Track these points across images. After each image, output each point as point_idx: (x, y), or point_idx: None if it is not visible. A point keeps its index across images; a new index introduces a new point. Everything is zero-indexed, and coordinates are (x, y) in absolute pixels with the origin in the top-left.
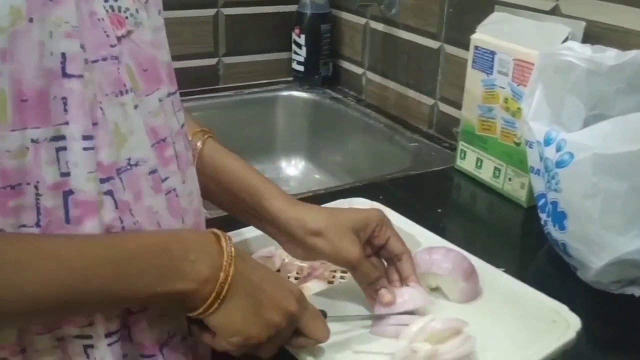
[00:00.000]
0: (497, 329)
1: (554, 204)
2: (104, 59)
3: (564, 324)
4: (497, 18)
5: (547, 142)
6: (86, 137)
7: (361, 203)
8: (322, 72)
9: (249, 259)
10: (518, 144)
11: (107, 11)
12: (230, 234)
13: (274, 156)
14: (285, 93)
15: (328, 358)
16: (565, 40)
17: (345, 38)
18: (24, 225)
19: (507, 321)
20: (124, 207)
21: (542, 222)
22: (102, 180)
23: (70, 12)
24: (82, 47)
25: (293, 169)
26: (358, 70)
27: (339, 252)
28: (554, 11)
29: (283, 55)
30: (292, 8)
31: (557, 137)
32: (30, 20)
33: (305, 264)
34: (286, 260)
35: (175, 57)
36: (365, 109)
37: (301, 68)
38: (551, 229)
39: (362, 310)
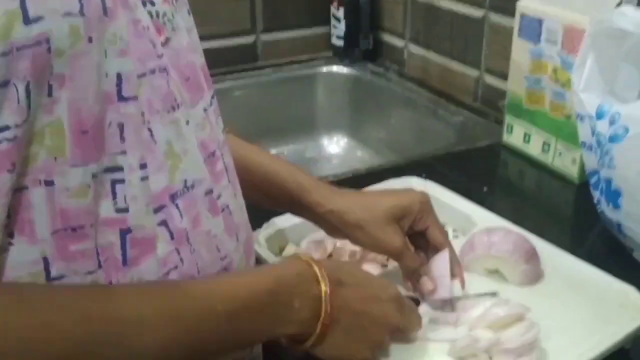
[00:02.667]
0: (561, 314)
1: (608, 181)
2: (152, 72)
3: (632, 308)
4: None
5: (600, 115)
6: (142, 166)
7: (414, 182)
8: (363, 46)
9: (346, 279)
10: (569, 117)
11: (150, 18)
12: (277, 219)
13: (315, 134)
14: (325, 69)
15: None
16: (619, 4)
17: (386, 10)
18: (90, 272)
19: (571, 306)
20: (181, 237)
21: (595, 201)
22: (155, 210)
23: (123, 27)
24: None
25: (335, 146)
26: (399, 42)
27: (379, 243)
28: None
29: (322, 30)
30: None
31: (610, 110)
32: (90, 40)
33: (357, 248)
34: (338, 244)
35: (212, 36)
36: (407, 82)
37: (341, 42)
38: (605, 208)
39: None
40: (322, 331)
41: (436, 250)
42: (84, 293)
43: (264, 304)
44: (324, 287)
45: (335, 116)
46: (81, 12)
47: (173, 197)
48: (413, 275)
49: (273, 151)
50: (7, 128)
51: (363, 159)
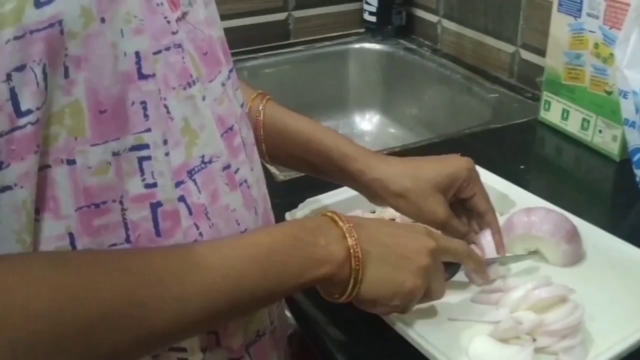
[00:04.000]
0: (604, 296)
1: None
2: (167, 49)
3: None
4: None
5: None
6: (165, 142)
7: None
8: (395, 22)
9: (367, 222)
10: (610, 93)
11: None
12: (311, 199)
13: (347, 111)
14: (357, 45)
15: (423, 325)
16: None
17: None
18: (114, 244)
19: (614, 287)
20: (199, 212)
21: (638, 179)
22: (174, 186)
23: (137, 4)
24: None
25: (367, 123)
26: (433, 18)
27: (424, 213)
28: None
29: (354, 6)
30: None
31: None
32: (102, 20)
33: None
34: None
35: (244, 14)
36: (441, 59)
37: (373, 19)
38: None
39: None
40: (357, 265)
41: (480, 217)
42: (123, 253)
43: (290, 245)
44: (343, 224)
45: (367, 93)
46: None
47: (190, 173)
48: None
49: None
50: (30, 112)
51: (396, 136)
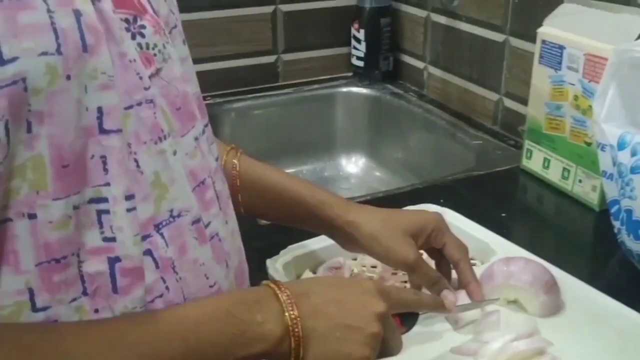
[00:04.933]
0: (582, 348)
1: (629, 211)
2: (139, 104)
3: None
4: (567, 10)
5: (621, 145)
6: (128, 197)
7: (431, 209)
8: (382, 67)
9: (312, 289)
10: (589, 144)
11: (137, 50)
12: (294, 246)
13: (334, 153)
14: (344, 89)
15: None
16: None
17: (406, 31)
18: (74, 299)
19: (593, 339)
20: (166, 265)
21: (615, 230)
22: (141, 239)
23: (106, 61)
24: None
25: (353, 166)
26: (419, 64)
27: (394, 254)
28: (629, 1)
29: (342, 50)
30: (351, 2)
31: (632, 141)
32: (68, 77)
33: (374, 275)
34: (355, 270)
35: (234, 56)
36: (427, 104)
37: (361, 63)
38: (625, 238)
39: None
40: (297, 343)
41: (455, 266)
42: (37, 331)
43: (221, 322)
44: (282, 297)
45: (354, 136)
46: (58, 51)
47: (158, 227)
48: (433, 289)
49: (291, 170)
50: None
51: (381, 179)
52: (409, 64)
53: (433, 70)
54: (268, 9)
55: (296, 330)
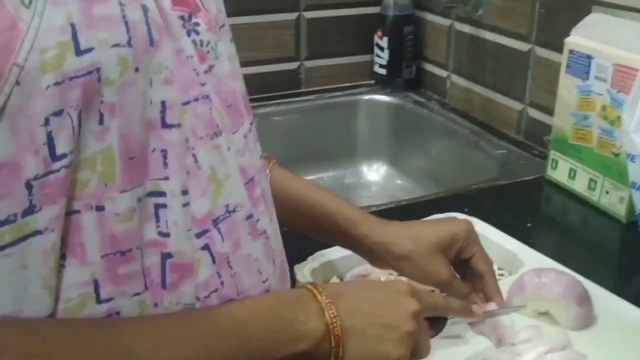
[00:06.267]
0: None
1: None
2: (196, 100)
3: None
4: (595, 19)
5: None
6: (184, 192)
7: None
8: (405, 75)
9: (348, 290)
10: (617, 155)
11: (194, 47)
12: (321, 252)
13: (355, 161)
14: (367, 97)
15: None
16: None
17: (429, 40)
18: (137, 293)
19: (626, 352)
20: (222, 260)
21: None
22: (197, 235)
23: (169, 57)
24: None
25: (374, 174)
26: (442, 73)
27: (427, 275)
28: None
29: (365, 58)
30: (374, 10)
31: None
32: (137, 69)
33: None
34: (382, 278)
35: (257, 62)
36: (449, 113)
37: (383, 71)
38: None
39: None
40: (337, 341)
41: (479, 278)
42: (98, 325)
43: (266, 320)
44: (321, 298)
45: (375, 144)
46: (129, 44)
47: (215, 222)
48: None
49: (312, 177)
50: (64, 156)
51: (402, 187)
52: (432, 73)
53: (456, 79)
54: (292, 15)
55: (336, 329)
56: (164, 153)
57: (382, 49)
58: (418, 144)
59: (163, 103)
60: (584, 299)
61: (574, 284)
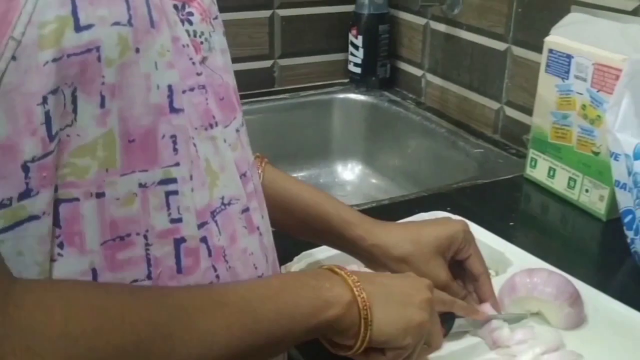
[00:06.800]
0: None
1: None
2: (192, 89)
3: None
4: (574, 19)
5: (638, 155)
6: (191, 177)
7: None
8: (380, 73)
9: (361, 272)
10: (597, 154)
11: (188, 36)
12: (306, 252)
13: (329, 160)
14: (341, 95)
15: None
16: None
17: (404, 39)
18: (135, 280)
19: (620, 351)
20: (218, 254)
21: (629, 240)
22: (198, 227)
23: (168, 40)
24: None
25: (349, 173)
26: (417, 72)
27: (426, 277)
28: (637, 12)
29: (339, 56)
30: (349, 8)
31: None
32: (137, 50)
33: None
34: None
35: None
36: (425, 112)
37: (358, 70)
38: (639, 249)
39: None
40: (364, 305)
41: (474, 280)
42: (155, 288)
43: (297, 287)
44: (340, 272)
45: (350, 143)
46: (129, 22)
47: (213, 214)
48: None
49: None
50: (57, 134)
51: (377, 186)
52: (407, 71)
53: (431, 77)
54: (266, 13)
55: (362, 293)
56: (174, 139)
57: (356, 47)
58: (393, 143)
59: (170, 87)
60: (576, 299)
61: (565, 284)
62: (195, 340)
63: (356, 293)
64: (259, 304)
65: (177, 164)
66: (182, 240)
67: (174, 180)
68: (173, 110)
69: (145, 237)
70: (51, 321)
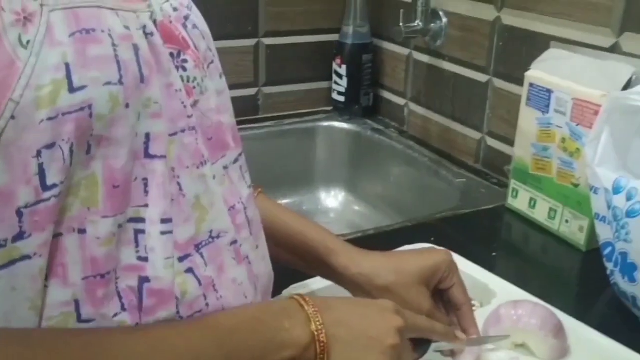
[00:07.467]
0: None
1: (624, 254)
2: (183, 131)
3: None
4: (554, 55)
5: (617, 190)
6: (165, 220)
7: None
8: (363, 102)
9: (335, 304)
10: (577, 186)
11: (182, 81)
12: (295, 286)
13: (313, 187)
14: (325, 124)
15: None
16: (629, 80)
17: (388, 68)
18: (116, 314)
19: None
20: (208, 284)
21: (608, 272)
22: (180, 259)
23: (158, 91)
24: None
25: (332, 200)
26: (400, 101)
27: (409, 306)
28: (614, 49)
29: (323, 85)
30: (333, 37)
31: (627, 185)
32: (127, 105)
33: None
34: None
35: None
36: (407, 140)
37: (342, 98)
38: (619, 280)
39: None
40: (322, 349)
41: (457, 309)
42: (85, 333)
43: (252, 329)
44: (307, 307)
45: (333, 171)
46: (120, 82)
47: (198, 247)
48: None
49: None
50: (55, 186)
51: (361, 213)
52: (390, 100)
53: (414, 107)
54: (251, 42)
55: (321, 337)
56: (145, 182)
57: (340, 76)
58: (376, 171)
59: (147, 135)
60: (560, 331)
61: (549, 316)
62: None
63: (316, 335)
64: (202, 349)
65: (146, 205)
66: (147, 279)
67: (142, 220)
68: (148, 155)
69: (115, 270)
70: None
